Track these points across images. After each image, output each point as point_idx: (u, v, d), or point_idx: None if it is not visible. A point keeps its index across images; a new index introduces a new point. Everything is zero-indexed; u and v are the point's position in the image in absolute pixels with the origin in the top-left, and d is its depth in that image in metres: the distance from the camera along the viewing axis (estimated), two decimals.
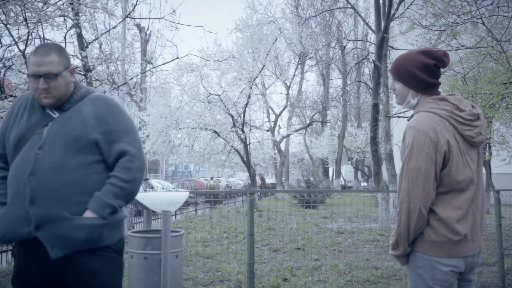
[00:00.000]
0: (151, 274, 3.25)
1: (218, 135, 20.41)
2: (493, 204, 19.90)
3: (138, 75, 15.09)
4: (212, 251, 8.81)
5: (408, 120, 2.60)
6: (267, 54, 21.12)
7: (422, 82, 2.52)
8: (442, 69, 2.62)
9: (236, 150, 21.08)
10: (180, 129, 20.63)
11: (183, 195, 3.13)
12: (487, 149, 16.90)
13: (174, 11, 9.63)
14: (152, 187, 21.74)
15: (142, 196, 3.43)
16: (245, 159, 20.67)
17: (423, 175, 2.41)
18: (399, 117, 15.23)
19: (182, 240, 3.34)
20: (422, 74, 2.51)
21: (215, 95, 19.63)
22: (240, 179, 50.30)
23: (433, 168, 2.42)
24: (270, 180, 48.14)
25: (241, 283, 6.27)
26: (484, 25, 9.35)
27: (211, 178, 27.58)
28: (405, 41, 12.95)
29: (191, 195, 20.62)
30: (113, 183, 2.45)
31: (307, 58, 36.39)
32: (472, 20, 9.60)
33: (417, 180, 2.41)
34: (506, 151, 14.65)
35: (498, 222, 5.55)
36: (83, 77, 9.12)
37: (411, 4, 13.74)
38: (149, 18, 12.91)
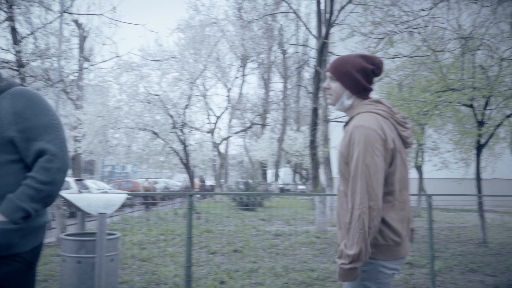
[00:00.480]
0: (84, 278, 3.14)
1: (157, 135, 20.14)
2: (425, 207, 20.61)
3: (75, 72, 14.65)
4: (149, 253, 8.67)
5: (345, 123, 2.61)
6: (209, 56, 21.07)
7: (359, 85, 2.54)
8: (376, 77, 2.64)
9: (176, 151, 20.87)
10: (118, 129, 20.21)
11: (121, 197, 3.05)
12: (420, 154, 17.53)
13: (114, 8, 9.45)
14: (87, 188, 21.13)
15: (76, 198, 3.32)
16: (184, 160, 20.50)
17: (379, 171, 2.36)
18: (338, 121, 15.55)
19: (118, 243, 3.25)
20: (360, 77, 2.53)
21: (155, 95, 19.37)
22: (178, 180, 49.85)
23: (384, 165, 2.39)
24: (209, 182, 47.97)
25: (178, 286, 6.20)
26: (420, 35, 9.69)
27: (147, 179, 27.14)
28: (344, 47, 13.22)
29: (129, 197, 20.23)
30: (29, 185, 2.23)
31: (249, 61, 36.56)
32: (408, 30, 9.94)
33: (375, 176, 2.35)
34: (438, 157, 15.21)
35: (430, 225, 5.75)
36: (16, 72, 8.76)
37: (351, 12, 14.08)
38: (88, 14, 12.60)
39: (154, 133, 20.02)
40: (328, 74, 2.61)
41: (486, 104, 10.53)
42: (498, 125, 10.67)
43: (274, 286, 6.31)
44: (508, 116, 10.72)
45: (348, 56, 2.59)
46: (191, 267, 4.42)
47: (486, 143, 11.12)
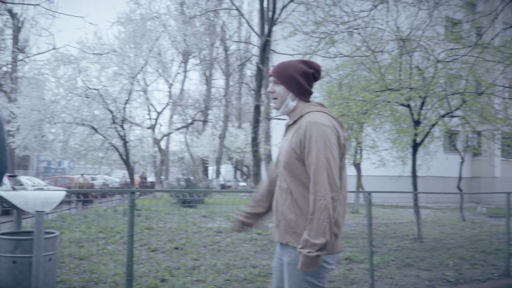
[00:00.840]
0: (20, 279, 3.00)
1: (96, 131, 19.62)
2: (362, 204, 21.11)
3: (8, 64, 14.06)
4: (87, 252, 8.44)
5: (293, 122, 2.68)
6: (150, 51, 20.72)
7: (302, 87, 2.69)
8: (316, 81, 2.78)
9: (115, 147, 20.41)
10: (54, 123, 19.54)
11: (59, 194, 2.93)
12: (359, 152, 17.95)
13: None
14: (21, 184, 20.34)
15: (12, 195, 3.16)
16: (124, 156, 20.09)
17: (337, 165, 2.50)
18: (279, 119, 15.70)
19: (56, 242, 3.13)
20: (303, 80, 2.69)
21: (94, 89, 18.85)
22: (117, 177, 48.86)
23: (338, 160, 2.54)
24: (149, 178, 47.29)
25: (118, 285, 6.07)
26: (360, 36, 9.90)
27: (82, 175, 26.39)
28: (287, 45, 13.36)
29: (67, 194, 19.63)
30: None
31: (191, 57, 36.29)
32: (349, 30, 10.13)
33: (335, 169, 2.46)
34: (376, 155, 15.62)
35: (369, 222, 5.89)
36: None
37: (293, 11, 14.22)
38: (23, 4, 12.09)
39: (93, 128, 19.49)
40: (271, 78, 2.73)
41: (422, 104, 10.90)
42: (433, 125, 11.08)
43: (216, 283, 6.29)
44: (443, 116, 11.15)
45: (289, 61, 2.74)
46: (133, 266, 4.33)
47: (421, 142, 11.51)
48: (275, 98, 2.73)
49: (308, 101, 2.74)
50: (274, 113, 19.92)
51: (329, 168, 2.45)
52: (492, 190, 29.04)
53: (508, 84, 12.41)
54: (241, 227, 2.98)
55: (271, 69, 2.77)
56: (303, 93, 2.70)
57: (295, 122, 2.69)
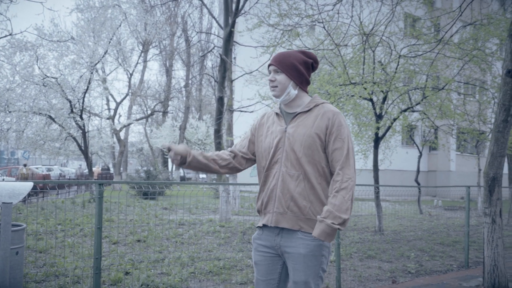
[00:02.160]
0: None
1: (54, 120, 19.11)
2: None
3: None
4: (46, 244, 8.21)
5: (304, 110, 2.73)
6: (110, 39, 20.28)
7: (303, 76, 2.74)
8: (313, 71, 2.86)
9: (73, 138, 19.95)
10: (9, 112, 18.91)
11: (27, 185, 2.82)
12: None
13: None
14: None
15: None
16: (82, 147, 19.66)
17: None
18: (241, 111, 15.65)
19: (23, 235, 3.01)
20: (303, 69, 2.74)
21: (52, 78, 18.33)
22: (74, 167, 47.86)
23: None
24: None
25: (80, 278, 5.93)
26: (325, 29, 9.93)
27: (25, 166, 25.62)
28: (250, 37, 13.31)
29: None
30: None
31: (151, 46, 35.77)
32: (314, 24, 10.15)
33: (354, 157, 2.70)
34: None
35: None
36: None
37: (257, 2, 14.17)
38: None
39: (50, 118, 18.98)
40: (272, 67, 2.74)
41: (384, 98, 11.06)
42: (395, 119, 11.25)
43: (181, 276, 6.22)
44: (404, 111, 11.34)
45: (289, 51, 2.77)
46: (101, 259, 4.22)
47: (383, 135, 11.68)
48: (275, 86, 2.73)
49: (307, 91, 2.81)
50: (236, 104, 19.84)
51: (353, 155, 2.64)
52: (447, 184, 29.85)
53: (466, 80, 12.74)
54: (175, 155, 2.79)
55: (272, 58, 2.79)
56: (303, 82, 2.75)
57: (309, 110, 2.73)
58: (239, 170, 2.92)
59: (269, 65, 2.78)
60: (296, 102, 2.76)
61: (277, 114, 2.82)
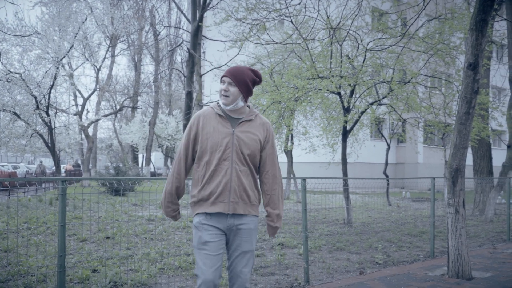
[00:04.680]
0: None
1: (19, 117, 18.69)
2: (293, 190, 21.33)
3: None
4: (11, 243, 8.06)
5: (247, 119, 3.31)
6: (76, 34, 19.92)
7: (250, 92, 3.34)
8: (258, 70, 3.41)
9: (40, 134, 19.56)
10: None
11: None
12: (290, 139, 18.20)
13: None
14: None
15: None
16: (49, 144, 19.30)
17: None
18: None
19: None
20: (251, 87, 3.33)
21: (16, 73, 17.93)
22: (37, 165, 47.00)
23: None
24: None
25: (46, 277, 5.83)
26: (292, 23, 9.96)
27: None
28: (218, 32, 13.27)
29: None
30: None
31: (119, 41, 35.29)
32: (282, 17, 10.17)
33: None
34: (307, 141, 15.85)
35: (304, 207, 5.96)
36: None
37: None
38: None
39: (15, 114, 18.57)
40: (227, 79, 3.25)
41: (352, 92, 11.16)
42: (362, 112, 11.37)
43: (150, 272, 6.18)
44: (371, 104, 11.47)
45: (242, 68, 3.32)
46: (65, 257, 4.16)
47: (351, 129, 11.79)
48: (228, 96, 3.23)
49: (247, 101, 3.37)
50: (205, 99, 19.76)
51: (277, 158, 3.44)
52: (415, 175, 30.35)
53: (432, 73, 12.94)
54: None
55: (227, 71, 3.29)
56: (248, 96, 3.33)
57: (251, 119, 3.32)
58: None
59: (223, 76, 3.27)
60: (240, 110, 3.32)
61: (220, 115, 3.28)
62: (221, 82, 3.31)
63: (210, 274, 3.10)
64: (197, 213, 3.25)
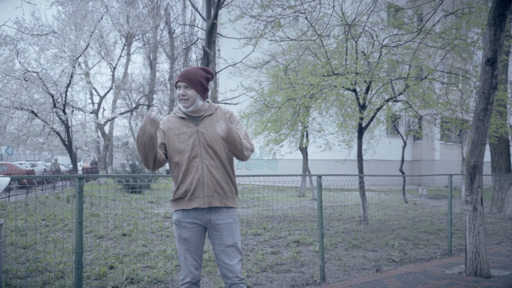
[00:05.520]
0: None
1: (36, 115, 18.92)
2: (308, 188, 21.25)
3: None
4: (30, 240, 8.15)
5: (207, 114, 3.47)
6: (92, 33, 20.08)
7: (206, 89, 3.46)
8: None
9: (57, 133, 19.76)
10: None
11: (4, 180, 2.79)
12: (305, 136, 18.15)
13: None
14: None
15: None
16: (66, 142, 19.48)
17: None
18: (226, 103, 15.61)
19: (1, 231, 2.97)
20: (206, 84, 3.45)
21: (33, 72, 18.13)
22: (61, 163, 47.44)
23: None
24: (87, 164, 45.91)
25: (64, 274, 5.89)
26: (307, 20, 9.92)
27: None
28: (233, 29, 13.26)
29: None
30: None
31: (134, 39, 35.46)
32: (297, 14, 10.13)
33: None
34: (322, 139, 15.79)
35: (319, 204, 5.94)
36: None
37: None
38: None
39: (33, 112, 18.78)
40: (182, 84, 3.36)
41: (367, 88, 11.09)
42: (378, 109, 11.29)
43: (166, 269, 6.21)
44: (387, 101, 11.39)
45: (194, 69, 3.43)
46: (82, 253, 4.20)
47: (367, 126, 11.72)
48: (187, 100, 3.36)
49: (206, 98, 3.54)
50: (220, 97, 19.77)
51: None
52: (432, 173, 30.08)
53: (449, 69, 12.82)
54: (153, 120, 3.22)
55: (180, 75, 3.39)
56: (205, 94, 3.47)
57: (212, 114, 3.46)
58: (161, 166, 3.49)
59: (177, 82, 3.40)
60: (200, 108, 3.46)
61: (182, 118, 3.44)
62: (176, 87, 3.45)
63: (191, 267, 3.37)
64: (176, 210, 3.43)
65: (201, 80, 3.39)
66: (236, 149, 3.28)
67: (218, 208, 3.37)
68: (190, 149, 3.35)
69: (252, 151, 3.39)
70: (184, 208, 3.37)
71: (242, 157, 3.36)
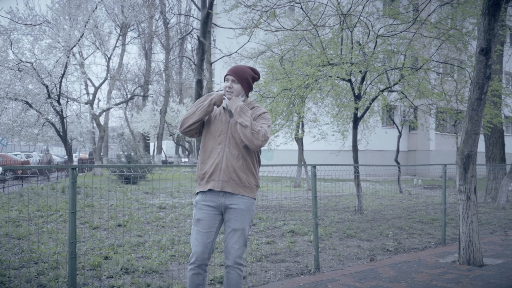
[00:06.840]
0: None
1: (31, 106, 18.84)
2: (304, 178, 21.27)
3: None
4: (24, 231, 8.14)
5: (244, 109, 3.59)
6: (86, 23, 19.96)
7: (251, 88, 3.78)
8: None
9: (51, 123, 19.69)
10: None
11: None
12: (300, 127, 18.15)
13: None
14: None
15: None
16: (61, 133, 19.43)
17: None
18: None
19: None
20: (251, 83, 3.76)
21: (27, 62, 18.03)
22: (55, 154, 47.35)
23: None
24: (83, 155, 45.85)
25: (59, 264, 5.90)
26: (302, 10, 9.88)
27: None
28: (228, 19, 13.20)
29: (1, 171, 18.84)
30: None
31: (129, 30, 35.26)
32: (291, 4, 10.09)
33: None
34: (317, 129, 15.78)
35: (314, 194, 5.96)
36: None
37: None
38: None
39: (27, 103, 18.70)
40: (231, 77, 3.65)
41: (363, 79, 11.08)
42: (373, 99, 11.30)
43: (161, 259, 6.22)
44: (382, 91, 11.39)
45: (243, 67, 3.74)
46: (76, 244, 4.20)
47: (362, 116, 11.72)
48: (232, 92, 3.61)
49: (248, 96, 3.79)
50: (216, 87, 19.73)
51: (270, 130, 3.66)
52: (427, 163, 30.17)
53: (443, 60, 12.81)
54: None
55: (230, 70, 3.69)
56: (248, 92, 3.75)
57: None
58: (189, 134, 3.72)
59: (227, 75, 3.68)
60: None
61: (224, 108, 3.71)
62: (224, 80, 3.72)
63: (199, 248, 3.54)
64: (197, 192, 3.67)
65: (248, 78, 3.70)
66: (240, 128, 3.45)
67: (233, 194, 3.57)
68: (217, 136, 3.62)
69: (264, 137, 3.46)
70: (201, 190, 3.61)
71: (251, 141, 3.44)
